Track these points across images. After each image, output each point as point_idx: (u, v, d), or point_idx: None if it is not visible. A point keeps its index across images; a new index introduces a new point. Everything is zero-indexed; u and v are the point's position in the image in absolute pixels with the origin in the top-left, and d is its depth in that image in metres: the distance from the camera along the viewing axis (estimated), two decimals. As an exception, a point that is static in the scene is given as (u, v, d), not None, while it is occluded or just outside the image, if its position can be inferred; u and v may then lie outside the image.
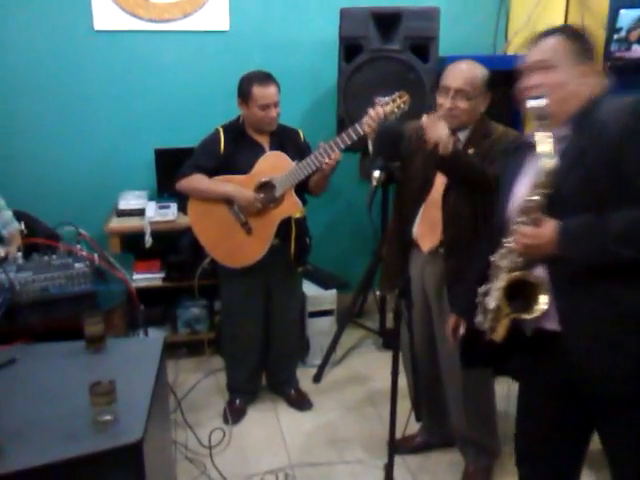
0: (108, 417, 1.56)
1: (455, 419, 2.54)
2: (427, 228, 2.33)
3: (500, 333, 1.68)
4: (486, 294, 1.73)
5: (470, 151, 2.23)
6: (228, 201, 2.71)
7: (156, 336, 3.06)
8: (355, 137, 2.58)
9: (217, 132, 2.76)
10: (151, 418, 1.63)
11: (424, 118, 2.13)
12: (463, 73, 2.20)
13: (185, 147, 3.03)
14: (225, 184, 2.71)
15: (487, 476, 2.55)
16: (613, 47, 3.07)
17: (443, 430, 2.70)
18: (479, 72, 2.22)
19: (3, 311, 2.07)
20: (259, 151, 2.73)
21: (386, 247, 2.57)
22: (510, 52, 3.87)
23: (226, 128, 2.77)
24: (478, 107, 2.24)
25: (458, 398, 2.46)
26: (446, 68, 2.26)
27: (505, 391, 2.61)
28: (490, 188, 2.11)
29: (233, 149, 2.73)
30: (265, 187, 2.69)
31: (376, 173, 2.01)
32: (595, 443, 1.79)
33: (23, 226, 2.48)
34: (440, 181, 2.29)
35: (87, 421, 1.56)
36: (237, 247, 2.74)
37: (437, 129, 2.08)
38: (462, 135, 2.27)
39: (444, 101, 2.21)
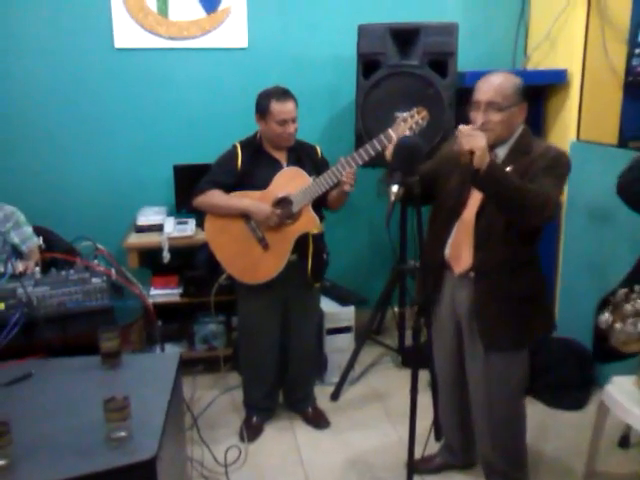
0: (122, 433, 1.54)
1: (481, 447, 2.46)
2: (458, 250, 2.24)
3: (632, 350, 1.54)
4: (628, 301, 1.58)
5: (508, 169, 2.10)
6: (245, 217, 2.70)
7: (172, 352, 3.05)
8: (373, 153, 2.56)
9: (234, 148, 2.76)
10: (166, 434, 1.62)
11: (460, 127, 2.02)
12: (492, 85, 2.11)
13: (204, 163, 3.03)
14: (242, 199, 2.70)
15: None
16: (635, 62, 3.03)
17: (465, 451, 2.64)
18: (510, 81, 2.13)
19: (20, 326, 2.06)
20: (276, 167, 2.73)
21: (420, 264, 2.49)
22: (530, 67, 3.85)
23: (243, 144, 2.77)
24: (514, 118, 2.14)
25: (485, 426, 2.37)
26: (477, 82, 2.18)
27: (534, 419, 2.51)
28: (533, 212, 2.01)
29: (250, 165, 2.73)
30: (282, 203, 2.68)
31: (394, 188, 1.99)
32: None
33: (42, 241, 2.49)
34: (474, 202, 2.19)
35: (101, 437, 1.55)
36: (254, 263, 2.72)
37: (473, 139, 1.95)
38: (501, 151, 2.17)
39: (476, 116, 2.13)
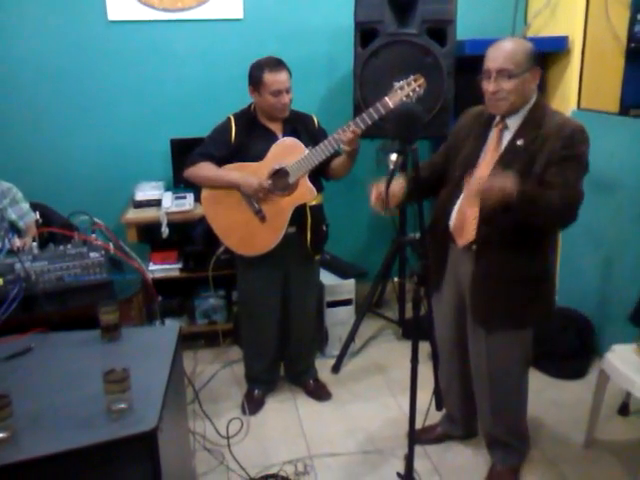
0: (122, 405, 1.54)
1: (483, 419, 2.48)
2: (462, 222, 2.20)
3: None
4: None
5: (519, 142, 2.05)
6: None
7: (172, 324, 3.04)
8: (370, 121, 2.53)
9: (228, 120, 2.73)
10: (166, 406, 1.61)
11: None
12: (502, 51, 2.03)
13: (201, 137, 3.00)
14: (231, 172, 2.67)
15: (514, 477, 2.45)
16: (637, 28, 2.98)
17: (466, 421, 2.66)
18: (520, 46, 2.05)
19: (19, 300, 2.06)
20: (272, 138, 2.69)
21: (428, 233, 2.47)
22: (530, 35, 3.79)
23: (237, 116, 2.74)
24: (527, 85, 2.06)
25: (486, 399, 2.38)
26: (486, 50, 2.10)
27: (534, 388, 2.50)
28: (563, 219, 2.02)
29: (245, 137, 2.70)
30: (279, 174, 2.66)
31: (393, 156, 1.97)
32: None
33: (38, 216, 2.48)
34: (481, 173, 2.13)
35: (101, 409, 1.54)
36: (250, 235, 2.70)
37: (494, 193, 1.92)
38: (512, 122, 2.11)
39: (487, 86, 2.06)
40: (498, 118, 2.15)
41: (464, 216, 2.20)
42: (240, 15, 3.57)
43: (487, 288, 2.18)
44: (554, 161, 2.01)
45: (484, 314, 2.22)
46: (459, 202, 2.22)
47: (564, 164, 2.01)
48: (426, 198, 2.38)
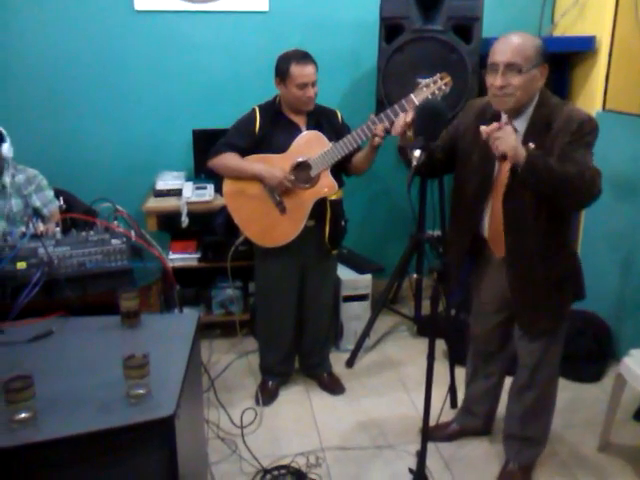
0: (141, 391, 1.55)
1: (512, 418, 2.44)
2: (497, 236, 2.16)
3: None
4: None
5: (530, 145, 1.94)
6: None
7: (191, 312, 3.06)
8: (394, 118, 2.52)
9: (253, 111, 2.74)
10: (184, 394, 1.63)
11: (483, 129, 1.90)
12: (511, 45, 1.93)
13: (223, 128, 3.01)
14: (255, 164, 2.68)
15: (527, 475, 2.44)
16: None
17: (485, 416, 2.66)
18: (530, 41, 1.95)
19: (41, 284, 2.08)
20: (295, 131, 2.70)
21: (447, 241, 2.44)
22: (557, 34, 3.75)
23: (262, 108, 2.75)
24: (535, 81, 1.97)
25: (525, 399, 2.36)
26: (493, 44, 2.02)
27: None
28: (582, 194, 1.90)
29: (269, 129, 2.70)
30: (301, 167, 2.67)
31: (417, 152, 1.97)
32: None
33: (62, 201, 2.50)
34: (501, 183, 2.08)
35: (120, 394, 1.56)
36: (271, 226, 2.71)
37: (502, 141, 1.85)
38: (519, 124, 2.03)
39: (494, 80, 1.96)
40: (505, 120, 2.05)
41: (499, 230, 2.15)
42: (265, 7, 3.57)
43: (526, 297, 2.17)
44: (562, 153, 1.95)
45: (530, 321, 2.21)
46: (488, 214, 2.18)
47: (569, 150, 1.93)
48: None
